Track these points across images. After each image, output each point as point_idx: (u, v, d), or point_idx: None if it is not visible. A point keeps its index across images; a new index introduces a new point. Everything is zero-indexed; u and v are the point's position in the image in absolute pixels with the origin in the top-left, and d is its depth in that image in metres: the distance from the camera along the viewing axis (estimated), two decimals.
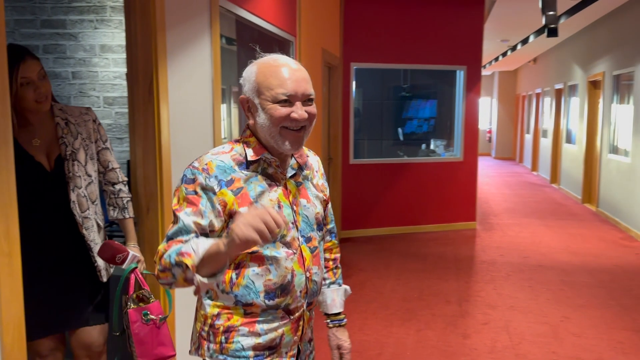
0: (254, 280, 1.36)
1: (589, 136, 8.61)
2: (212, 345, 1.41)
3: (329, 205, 1.63)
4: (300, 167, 1.48)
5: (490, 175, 12.60)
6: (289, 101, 1.33)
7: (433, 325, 3.69)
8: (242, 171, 1.37)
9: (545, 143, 11.97)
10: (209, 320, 1.41)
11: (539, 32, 9.06)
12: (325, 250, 1.63)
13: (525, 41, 10.18)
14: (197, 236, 1.30)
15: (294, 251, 1.40)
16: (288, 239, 1.39)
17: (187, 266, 1.22)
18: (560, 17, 7.74)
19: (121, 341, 1.96)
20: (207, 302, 1.42)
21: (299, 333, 1.46)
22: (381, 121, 6.93)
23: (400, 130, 6.98)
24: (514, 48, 11.17)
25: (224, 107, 3.06)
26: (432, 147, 6.98)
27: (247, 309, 1.38)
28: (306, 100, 1.36)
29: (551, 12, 6.98)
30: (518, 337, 3.51)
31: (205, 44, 2.62)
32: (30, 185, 1.85)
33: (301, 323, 1.46)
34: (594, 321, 3.77)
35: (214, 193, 1.33)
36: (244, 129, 1.46)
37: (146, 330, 1.90)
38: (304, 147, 1.51)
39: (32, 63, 1.83)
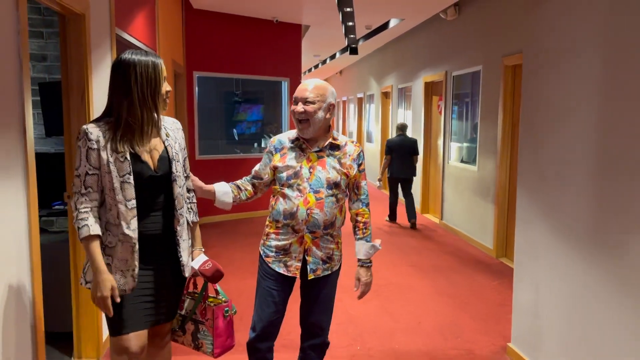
0: (279, 207, 2.27)
1: (382, 136, 10.75)
2: (262, 241, 2.39)
3: (362, 183, 2.35)
4: (331, 148, 2.30)
5: None
6: (297, 103, 2.25)
7: None
8: (290, 144, 2.31)
9: None
10: (265, 229, 2.37)
11: (343, 50, 10.97)
12: (357, 214, 2.38)
13: (333, 57, 12.08)
14: (254, 177, 2.40)
15: (302, 195, 2.24)
16: (301, 187, 2.24)
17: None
18: (359, 40, 9.64)
19: (191, 308, 2.18)
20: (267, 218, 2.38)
21: (303, 247, 2.28)
22: (219, 123, 7.90)
23: (235, 130, 8.05)
24: (324, 62, 13.06)
25: None
26: (263, 145, 8.20)
27: (276, 224, 2.30)
28: (305, 101, 2.23)
29: (352, 36, 8.75)
30: None
31: (109, 60, 3.41)
32: (139, 183, 1.94)
33: (304, 241, 2.27)
34: (385, 262, 5.37)
35: (272, 155, 2.34)
36: None
37: (224, 325, 2.17)
38: (347, 139, 2.36)
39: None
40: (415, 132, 8.47)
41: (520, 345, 3.18)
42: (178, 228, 2.04)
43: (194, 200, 2.23)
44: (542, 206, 2.93)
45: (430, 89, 7.96)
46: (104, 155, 1.89)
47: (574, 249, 2.64)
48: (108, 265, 1.93)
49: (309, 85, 2.25)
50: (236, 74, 7.58)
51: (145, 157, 1.97)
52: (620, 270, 2.30)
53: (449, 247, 6.17)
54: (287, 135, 2.38)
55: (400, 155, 7.16)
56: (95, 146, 1.89)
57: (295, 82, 8.01)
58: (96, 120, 1.96)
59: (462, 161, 6.70)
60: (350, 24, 7.88)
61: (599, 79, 2.44)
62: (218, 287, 2.25)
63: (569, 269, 2.69)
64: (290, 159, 2.29)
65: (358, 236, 2.39)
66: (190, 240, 2.16)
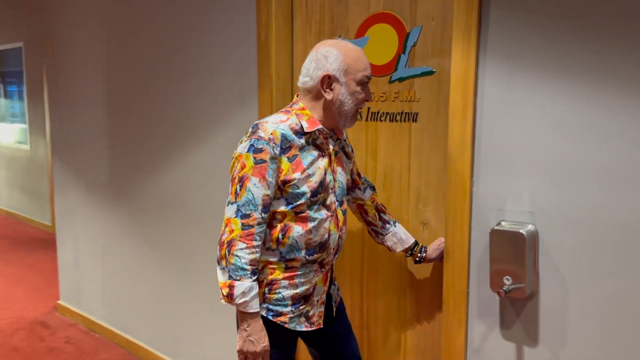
0: (297, 240, 1.49)
1: None
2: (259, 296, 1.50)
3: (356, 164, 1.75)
4: (338, 140, 1.59)
5: None
6: (366, 85, 1.47)
7: None
8: (299, 140, 1.46)
9: None
10: (265, 276, 1.51)
11: None
12: (374, 201, 1.77)
13: None
14: (264, 211, 1.42)
15: (332, 213, 1.54)
16: (328, 202, 1.52)
17: (229, 292, 1.42)
18: None
19: None
20: None
21: (327, 283, 1.63)
22: None
23: None
24: None
25: None
26: None
27: (289, 264, 1.51)
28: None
29: None
30: None
31: None
32: None
33: (329, 274, 1.63)
34: None
35: (276, 161, 1.42)
36: (293, 102, 1.52)
37: None
38: None
39: None
40: None
41: (68, 300, 3.54)
42: None
43: None
44: (75, 171, 3.33)
45: None
46: None
47: (101, 200, 3.16)
48: None
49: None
50: None
51: None
52: (131, 209, 2.94)
53: (4, 230, 5.90)
54: (286, 126, 1.48)
55: None
56: None
57: None
58: None
59: (16, 142, 6.44)
60: None
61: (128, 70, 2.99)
62: None
63: (100, 219, 3.19)
64: (308, 163, 1.49)
65: (392, 221, 1.80)
66: None
